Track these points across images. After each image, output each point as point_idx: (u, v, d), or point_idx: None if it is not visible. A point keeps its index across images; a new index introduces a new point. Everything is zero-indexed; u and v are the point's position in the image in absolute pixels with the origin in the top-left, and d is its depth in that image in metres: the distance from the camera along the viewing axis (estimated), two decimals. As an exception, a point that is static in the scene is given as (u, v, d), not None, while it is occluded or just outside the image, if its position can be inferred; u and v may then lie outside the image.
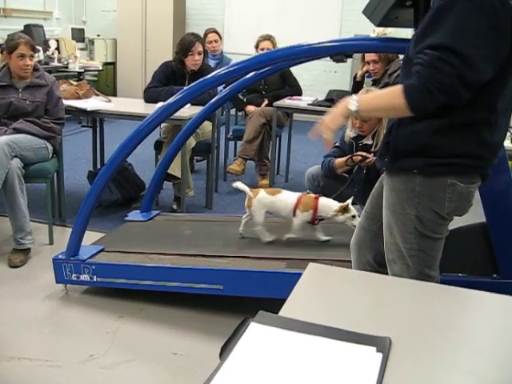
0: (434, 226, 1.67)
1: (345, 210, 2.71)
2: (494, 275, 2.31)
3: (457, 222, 2.31)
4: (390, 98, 1.58)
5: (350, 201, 2.76)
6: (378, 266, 1.91)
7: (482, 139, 1.58)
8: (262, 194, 2.82)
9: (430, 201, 1.63)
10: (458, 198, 1.63)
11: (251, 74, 2.96)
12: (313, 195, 2.82)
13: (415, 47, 1.54)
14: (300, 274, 1.18)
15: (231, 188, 2.90)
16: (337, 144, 3.29)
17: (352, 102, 1.61)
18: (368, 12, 2.01)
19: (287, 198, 2.81)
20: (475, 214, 2.31)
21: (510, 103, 1.62)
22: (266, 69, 2.87)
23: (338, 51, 2.43)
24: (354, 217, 2.71)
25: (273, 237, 2.85)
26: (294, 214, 2.78)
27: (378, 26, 2.10)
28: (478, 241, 2.29)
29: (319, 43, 2.34)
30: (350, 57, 4.47)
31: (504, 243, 2.22)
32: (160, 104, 3.75)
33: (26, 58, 3.23)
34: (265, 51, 4.73)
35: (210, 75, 2.61)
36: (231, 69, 2.51)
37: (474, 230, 2.30)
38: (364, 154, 3.00)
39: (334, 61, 3.07)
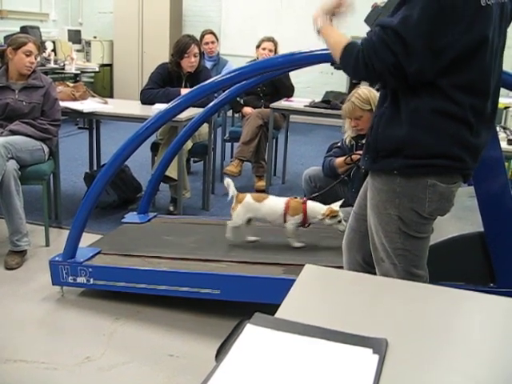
0: (416, 226, 1.68)
1: (332, 214, 2.72)
2: (491, 284, 2.30)
3: (454, 231, 2.32)
4: (336, 41, 1.65)
5: (338, 204, 2.76)
6: (368, 266, 1.92)
7: (460, 140, 1.57)
8: (249, 199, 2.80)
9: (411, 201, 1.64)
10: (439, 198, 1.63)
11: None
12: (300, 199, 2.82)
13: None
14: (297, 281, 1.18)
15: (227, 189, 2.89)
16: (338, 144, 3.30)
17: (321, 20, 1.74)
18: (370, 21, 2.05)
19: (275, 204, 2.80)
20: (472, 223, 2.32)
21: (485, 102, 1.61)
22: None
23: None
24: (340, 221, 2.72)
25: (236, 239, 2.84)
26: (285, 220, 2.77)
27: None
28: (475, 250, 2.28)
29: (321, 50, 2.32)
30: None
31: (501, 252, 2.22)
32: (157, 106, 3.78)
33: (32, 56, 3.27)
34: (266, 52, 4.76)
35: (209, 81, 2.62)
36: (231, 75, 2.52)
37: (471, 240, 2.29)
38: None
39: (335, 68, 3.07)
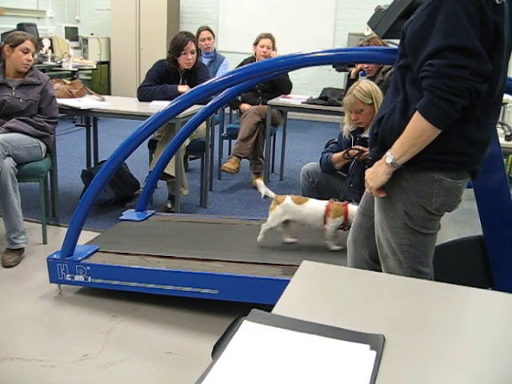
0: (423, 222, 1.67)
1: None
2: (489, 288, 2.30)
3: (453, 235, 2.31)
4: (413, 128, 1.54)
5: None
6: (374, 262, 1.91)
7: (468, 136, 1.57)
8: (288, 201, 2.78)
9: (417, 196, 1.63)
10: (446, 193, 1.63)
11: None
12: (340, 202, 2.79)
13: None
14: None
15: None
16: (335, 140, 3.30)
17: (388, 156, 1.60)
18: (373, 24, 2.03)
19: (315, 207, 2.77)
20: (471, 227, 2.31)
21: (497, 98, 1.61)
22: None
23: (341, 60, 2.40)
24: None
25: (267, 242, 2.82)
26: (325, 222, 2.75)
27: (383, 37, 2.12)
28: (473, 254, 2.27)
29: (322, 52, 2.31)
30: (353, 66, 4.45)
31: (500, 256, 2.21)
32: (154, 103, 3.77)
33: (30, 54, 3.27)
34: (265, 49, 4.75)
35: (209, 81, 2.61)
36: (232, 76, 2.50)
37: (470, 243, 2.29)
38: (360, 147, 3.01)
39: (336, 70, 3.05)
